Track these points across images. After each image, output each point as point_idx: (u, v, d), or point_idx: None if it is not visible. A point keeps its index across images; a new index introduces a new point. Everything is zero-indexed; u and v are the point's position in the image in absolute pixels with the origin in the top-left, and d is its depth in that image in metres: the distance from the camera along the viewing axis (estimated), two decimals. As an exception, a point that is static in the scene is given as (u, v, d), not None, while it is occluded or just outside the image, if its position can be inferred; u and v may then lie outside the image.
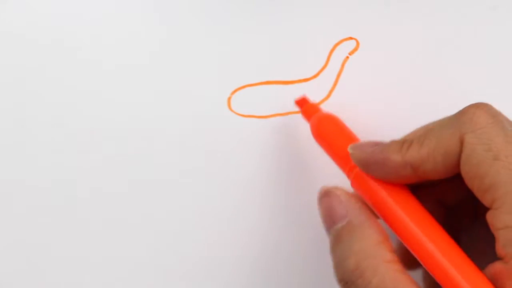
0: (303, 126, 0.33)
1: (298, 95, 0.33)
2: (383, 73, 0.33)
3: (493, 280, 0.22)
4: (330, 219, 0.27)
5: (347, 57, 0.33)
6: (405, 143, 0.25)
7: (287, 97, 0.33)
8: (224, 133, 0.33)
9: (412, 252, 0.25)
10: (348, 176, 0.28)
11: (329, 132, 0.30)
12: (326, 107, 0.33)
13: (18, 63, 0.33)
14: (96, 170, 0.33)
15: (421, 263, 0.24)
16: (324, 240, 0.32)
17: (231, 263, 0.33)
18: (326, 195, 0.27)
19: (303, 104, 0.32)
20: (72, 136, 0.33)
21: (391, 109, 0.33)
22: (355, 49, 0.33)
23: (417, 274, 0.29)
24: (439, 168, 0.24)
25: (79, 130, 0.33)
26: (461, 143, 0.23)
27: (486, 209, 0.23)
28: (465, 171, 0.23)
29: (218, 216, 0.33)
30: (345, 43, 0.33)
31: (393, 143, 0.26)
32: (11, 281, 0.33)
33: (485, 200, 0.23)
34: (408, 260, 0.26)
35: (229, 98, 0.33)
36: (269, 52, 0.33)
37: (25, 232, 0.33)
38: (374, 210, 0.26)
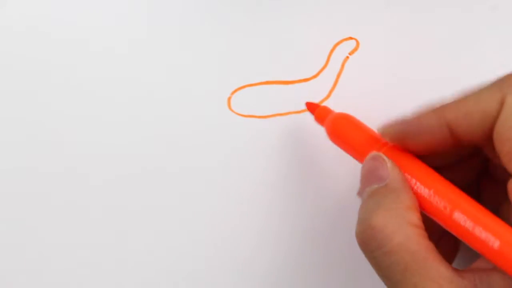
0: (303, 126, 0.33)
1: (298, 95, 0.33)
2: (383, 73, 0.33)
3: None
4: (369, 179, 0.26)
5: (347, 57, 0.33)
6: (441, 104, 0.25)
7: (287, 97, 0.33)
8: (224, 133, 0.33)
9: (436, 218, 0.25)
10: None
11: (347, 128, 0.30)
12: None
13: (20, 58, 0.33)
14: (96, 170, 0.33)
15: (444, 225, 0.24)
16: (317, 239, 0.33)
17: (230, 264, 0.33)
18: (373, 158, 0.27)
19: (315, 108, 0.32)
20: (72, 137, 0.33)
21: (391, 109, 0.33)
22: (355, 49, 0.33)
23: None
24: (474, 129, 0.24)
25: (78, 130, 0.33)
26: (501, 104, 0.23)
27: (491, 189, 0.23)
28: (499, 133, 0.23)
29: (218, 216, 0.33)
30: (345, 43, 0.33)
31: (426, 108, 0.25)
32: (11, 281, 0.33)
33: (511, 167, 0.22)
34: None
35: (229, 98, 0.33)
36: (269, 52, 0.33)
37: (24, 232, 0.33)
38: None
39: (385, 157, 0.26)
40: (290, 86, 0.33)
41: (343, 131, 0.30)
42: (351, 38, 0.33)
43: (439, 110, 0.25)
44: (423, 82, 0.33)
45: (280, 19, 0.33)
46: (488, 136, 0.24)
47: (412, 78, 0.33)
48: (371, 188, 0.26)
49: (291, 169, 0.33)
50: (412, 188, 0.26)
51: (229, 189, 0.33)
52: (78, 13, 0.33)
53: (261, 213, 0.33)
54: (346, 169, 0.32)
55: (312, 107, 0.32)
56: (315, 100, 0.33)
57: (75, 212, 0.33)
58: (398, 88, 0.33)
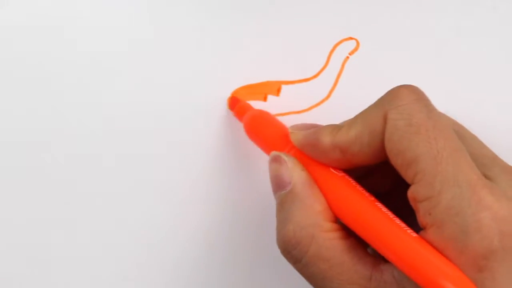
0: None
1: (298, 95, 0.33)
2: (383, 73, 0.33)
3: None
4: (276, 184, 0.27)
5: (347, 57, 0.33)
6: (337, 127, 0.26)
7: (287, 97, 0.33)
8: (224, 133, 0.33)
9: (351, 228, 0.25)
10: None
11: (262, 126, 0.30)
12: (326, 107, 0.33)
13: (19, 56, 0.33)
14: (94, 169, 0.33)
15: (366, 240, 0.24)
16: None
17: (229, 264, 0.33)
18: (275, 160, 0.27)
19: (235, 104, 0.32)
20: (71, 137, 0.33)
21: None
22: (355, 49, 0.33)
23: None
24: (365, 149, 0.24)
25: (77, 130, 0.33)
26: (385, 120, 0.24)
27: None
28: (389, 148, 0.23)
29: (218, 216, 0.33)
30: (345, 43, 0.33)
31: (327, 126, 0.26)
32: (11, 281, 0.33)
33: (407, 176, 0.23)
34: None
35: (229, 98, 0.33)
36: (269, 52, 0.33)
37: (24, 232, 0.33)
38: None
39: (285, 157, 0.27)
40: (290, 86, 0.33)
41: (258, 128, 0.30)
42: (351, 38, 0.33)
43: (333, 134, 0.25)
44: (423, 82, 0.33)
45: (280, 19, 0.33)
46: (380, 154, 0.24)
47: (412, 78, 0.33)
48: (279, 194, 0.27)
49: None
50: (320, 184, 0.26)
51: (229, 189, 0.33)
52: (78, 13, 0.33)
53: (261, 213, 0.33)
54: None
55: (233, 103, 0.32)
56: (315, 100, 0.33)
57: (74, 213, 0.33)
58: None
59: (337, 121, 0.32)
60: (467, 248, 0.21)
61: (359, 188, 0.25)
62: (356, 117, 0.25)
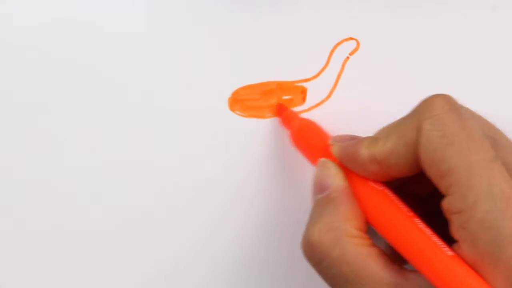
0: (303, 126, 0.33)
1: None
2: (383, 73, 0.33)
3: None
4: (316, 188, 0.27)
5: (348, 57, 0.33)
6: (374, 139, 0.26)
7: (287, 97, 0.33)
8: (224, 133, 0.33)
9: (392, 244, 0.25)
10: None
11: (307, 135, 0.30)
12: (326, 107, 0.33)
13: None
14: (94, 170, 0.33)
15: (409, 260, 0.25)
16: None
17: (229, 264, 0.33)
18: (320, 165, 0.28)
19: (282, 111, 0.33)
20: (70, 137, 0.33)
21: (391, 109, 0.33)
22: (356, 49, 0.33)
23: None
24: (402, 161, 0.24)
25: (78, 131, 0.33)
26: (419, 131, 0.24)
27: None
28: (424, 159, 0.23)
29: (218, 216, 0.33)
30: (345, 43, 0.33)
31: (365, 139, 0.26)
32: (11, 281, 0.33)
33: (442, 187, 0.23)
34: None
35: (229, 98, 0.33)
36: (269, 52, 0.33)
37: (24, 232, 0.33)
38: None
39: (330, 164, 0.27)
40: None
41: (304, 137, 0.31)
42: (351, 38, 0.33)
43: (371, 147, 0.25)
44: (423, 82, 0.33)
45: (280, 19, 0.33)
46: (417, 165, 0.24)
47: (412, 78, 0.33)
48: (316, 197, 0.27)
49: (291, 169, 0.33)
50: (359, 196, 0.26)
51: (229, 189, 0.33)
52: (78, 12, 0.33)
53: (261, 213, 0.33)
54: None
55: (280, 110, 0.33)
56: (316, 100, 0.33)
57: (74, 213, 0.33)
58: (398, 88, 0.33)
59: (337, 121, 0.32)
60: (501, 262, 0.21)
61: (398, 202, 0.25)
62: (391, 128, 0.25)
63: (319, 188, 0.27)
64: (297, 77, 0.33)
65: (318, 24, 0.33)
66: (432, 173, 0.23)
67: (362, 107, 0.33)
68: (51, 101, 0.33)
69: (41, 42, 0.33)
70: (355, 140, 0.27)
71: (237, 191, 0.33)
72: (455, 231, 0.23)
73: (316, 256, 0.25)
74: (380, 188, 0.26)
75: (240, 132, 0.33)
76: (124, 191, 0.33)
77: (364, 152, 0.26)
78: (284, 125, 0.32)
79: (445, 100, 0.24)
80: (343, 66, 0.33)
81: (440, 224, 0.24)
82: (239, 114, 0.33)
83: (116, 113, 0.33)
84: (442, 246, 0.23)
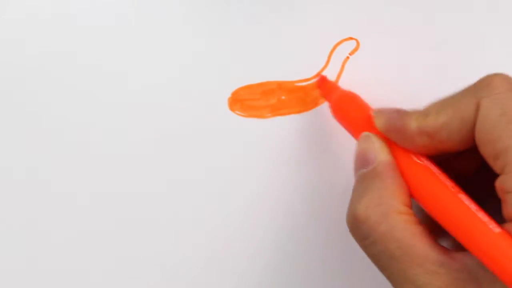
0: (303, 126, 0.33)
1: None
2: (383, 73, 0.33)
3: None
4: (360, 162, 0.27)
5: (348, 57, 0.33)
6: (423, 113, 0.25)
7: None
8: (224, 133, 0.33)
9: (433, 215, 0.25)
10: None
11: (349, 107, 0.30)
12: (326, 107, 0.33)
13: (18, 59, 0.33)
14: (96, 170, 0.33)
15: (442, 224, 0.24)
16: (323, 237, 0.32)
17: (229, 264, 0.33)
18: (364, 139, 0.27)
19: (323, 83, 0.32)
20: (70, 136, 0.33)
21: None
22: (356, 49, 0.33)
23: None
24: (455, 136, 0.24)
25: (78, 131, 0.33)
26: (477, 108, 0.23)
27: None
28: (479, 137, 0.23)
29: (218, 216, 0.33)
30: (345, 43, 0.33)
31: (414, 111, 0.26)
32: (11, 281, 0.33)
33: (497, 166, 0.23)
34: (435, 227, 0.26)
35: (229, 98, 0.33)
36: (269, 52, 0.33)
37: (24, 232, 0.33)
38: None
39: (374, 138, 0.27)
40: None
41: (345, 109, 0.30)
42: (351, 38, 0.33)
43: (420, 119, 0.25)
44: (423, 82, 0.33)
45: (281, 19, 0.33)
46: (468, 141, 0.24)
47: (412, 78, 0.33)
48: (361, 171, 0.27)
49: (291, 169, 0.33)
50: (403, 171, 0.26)
51: (229, 189, 0.33)
52: (78, 12, 0.33)
53: (260, 212, 0.33)
54: (346, 168, 0.32)
55: (321, 82, 0.32)
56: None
57: (76, 213, 0.33)
58: (399, 88, 0.33)
59: (337, 122, 0.32)
60: None
61: (443, 177, 0.25)
62: (445, 102, 0.25)
63: (363, 162, 0.27)
64: (297, 77, 0.33)
65: (318, 24, 0.33)
66: (487, 151, 0.23)
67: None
68: (51, 101, 0.33)
69: (39, 40, 0.33)
70: (401, 112, 0.26)
71: (237, 191, 0.33)
72: (509, 209, 0.22)
73: (362, 231, 0.25)
74: (425, 163, 0.25)
75: (240, 132, 0.33)
76: (124, 191, 0.33)
77: (414, 124, 0.25)
78: (324, 97, 0.32)
79: (506, 79, 0.23)
80: (343, 66, 0.33)
81: (483, 205, 0.24)
82: (239, 114, 0.33)
83: (115, 112, 0.33)
84: (489, 222, 0.23)
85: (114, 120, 0.33)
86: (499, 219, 0.23)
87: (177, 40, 0.33)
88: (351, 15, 0.33)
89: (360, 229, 0.25)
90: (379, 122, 0.27)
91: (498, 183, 0.23)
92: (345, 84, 0.33)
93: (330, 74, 0.33)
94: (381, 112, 0.27)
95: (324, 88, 0.32)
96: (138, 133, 0.33)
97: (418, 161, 0.26)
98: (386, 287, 0.25)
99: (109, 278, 0.33)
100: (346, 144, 0.32)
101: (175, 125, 0.33)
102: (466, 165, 0.27)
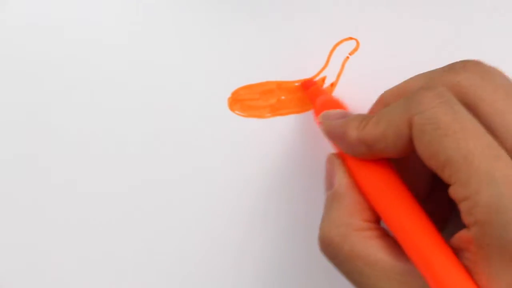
0: (303, 126, 0.33)
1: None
2: (383, 74, 0.33)
3: (460, 247, 0.23)
4: (327, 184, 0.28)
5: (347, 57, 0.33)
6: (364, 120, 0.26)
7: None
8: (224, 133, 0.33)
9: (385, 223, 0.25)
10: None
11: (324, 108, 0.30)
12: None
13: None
14: (95, 169, 0.33)
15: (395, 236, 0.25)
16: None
17: (229, 264, 0.33)
18: (328, 160, 0.28)
19: (309, 86, 0.32)
20: (71, 137, 0.33)
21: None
22: (355, 49, 0.33)
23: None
24: (391, 148, 0.25)
25: (78, 131, 0.33)
26: (410, 125, 0.24)
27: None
28: (421, 152, 0.24)
29: (218, 216, 0.33)
30: (345, 43, 0.33)
31: (354, 119, 0.27)
32: (11, 281, 0.33)
33: (444, 177, 0.23)
34: None
35: (229, 98, 0.33)
36: (269, 52, 0.33)
37: (25, 233, 0.33)
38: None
39: (335, 159, 0.28)
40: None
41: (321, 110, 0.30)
42: (351, 38, 0.33)
43: (360, 128, 0.26)
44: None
45: (280, 19, 0.33)
46: (405, 151, 0.25)
47: (412, 78, 0.33)
48: (327, 195, 0.28)
49: (291, 169, 0.33)
50: (362, 186, 0.26)
51: (229, 189, 0.33)
52: (78, 12, 0.33)
53: (260, 212, 0.33)
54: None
55: (306, 85, 0.32)
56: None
57: (75, 212, 0.33)
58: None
59: (337, 121, 0.32)
60: (510, 244, 0.22)
61: (401, 189, 0.25)
62: (382, 115, 0.25)
63: (328, 184, 0.28)
64: (297, 77, 0.33)
65: (318, 24, 0.33)
66: (432, 165, 0.23)
67: (361, 107, 0.33)
68: (51, 100, 0.33)
69: (39, 39, 0.33)
70: (345, 118, 0.27)
71: (237, 191, 0.33)
72: (464, 217, 0.23)
73: (329, 252, 0.26)
74: (383, 172, 0.26)
75: (239, 132, 0.33)
76: (124, 192, 0.33)
77: (353, 133, 0.26)
78: (310, 101, 0.32)
79: (436, 94, 0.24)
80: (343, 66, 0.33)
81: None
82: (239, 114, 0.33)
83: (115, 113, 0.33)
84: (440, 241, 0.23)
85: (113, 120, 0.33)
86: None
87: (177, 40, 0.33)
88: (351, 15, 0.33)
89: (328, 251, 0.26)
90: (323, 128, 0.28)
91: (450, 192, 0.23)
92: (345, 84, 0.33)
93: (330, 74, 0.33)
94: (327, 117, 0.28)
95: (308, 92, 0.32)
96: (138, 133, 0.33)
97: (379, 171, 0.26)
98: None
99: (108, 275, 0.33)
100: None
101: (175, 125, 0.33)
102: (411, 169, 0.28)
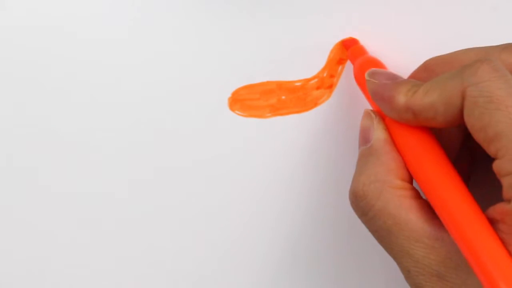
0: (303, 126, 0.33)
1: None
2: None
3: (496, 218, 0.23)
4: (361, 139, 0.28)
5: (348, 57, 0.33)
6: (413, 86, 0.25)
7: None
8: (224, 133, 0.33)
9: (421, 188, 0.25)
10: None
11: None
12: (326, 107, 0.33)
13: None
14: (96, 169, 0.33)
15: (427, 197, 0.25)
16: (324, 237, 0.32)
17: (229, 264, 0.33)
18: (365, 116, 0.28)
19: (350, 46, 0.32)
20: (71, 136, 0.33)
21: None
22: (355, 49, 0.33)
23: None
24: (439, 118, 0.25)
25: (78, 130, 0.33)
26: (463, 96, 0.24)
27: (486, 158, 0.24)
28: (470, 124, 0.24)
29: (218, 216, 0.33)
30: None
31: (404, 83, 0.26)
32: (11, 281, 0.33)
33: (491, 151, 0.23)
34: None
35: (229, 98, 0.33)
36: (269, 52, 0.33)
37: (25, 233, 0.33)
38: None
39: (373, 114, 0.28)
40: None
41: (363, 76, 0.30)
42: (351, 38, 0.33)
43: (409, 95, 0.25)
44: (423, 82, 0.33)
45: (280, 18, 0.33)
46: (453, 122, 0.24)
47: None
48: (361, 149, 0.28)
49: (291, 169, 0.33)
50: (401, 145, 0.26)
51: (229, 189, 0.33)
52: (78, 12, 0.33)
53: (260, 212, 0.33)
54: (346, 168, 0.32)
55: (348, 44, 0.32)
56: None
57: (77, 212, 0.33)
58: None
59: (337, 122, 0.32)
60: None
61: (437, 153, 0.25)
62: (434, 84, 0.25)
63: (363, 139, 0.28)
64: (297, 77, 0.33)
65: (317, 24, 0.33)
66: (480, 137, 0.23)
67: (361, 107, 0.33)
68: (51, 101, 0.33)
69: (38, 37, 0.33)
70: (393, 81, 0.27)
71: (237, 191, 0.33)
72: (506, 191, 0.23)
73: (361, 207, 0.26)
74: (422, 136, 0.26)
75: (240, 132, 0.33)
76: (125, 192, 0.33)
77: (401, 99, 0.26)
78: (350, 60, 0.32)
79: (493, 68, 0.24)
80: (343, 66, 0.33)
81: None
82: (239, 114, 0.33)
83: (115, 111, 0.33)
84: (472, 204, 0.23)
85: (113, 119, 0.33)
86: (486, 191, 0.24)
87: (177, 40, 0.33)
88: (351, 15, 0.33)
89: (359, 206, 0.26)
90: (370, 88, 0.27)
91: (494, 167, 0.23)
92: (345, 84, 0.33)
93: (330, 74, 0.33)
94: (375, 76, 0.28)
95: (350, 50, 0.32)
96: (138, 133, 0.33)
97: (417, 134, 0.26)
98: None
99: (109, 276, 0.33)
100: (346, 144, 0.32)
101: (175, 125, 0.33)
102: (454, 137, 0.28)
